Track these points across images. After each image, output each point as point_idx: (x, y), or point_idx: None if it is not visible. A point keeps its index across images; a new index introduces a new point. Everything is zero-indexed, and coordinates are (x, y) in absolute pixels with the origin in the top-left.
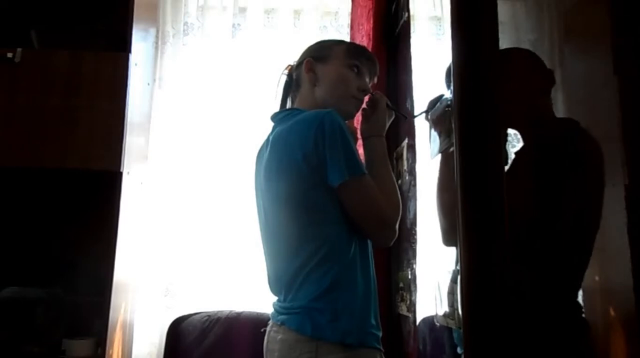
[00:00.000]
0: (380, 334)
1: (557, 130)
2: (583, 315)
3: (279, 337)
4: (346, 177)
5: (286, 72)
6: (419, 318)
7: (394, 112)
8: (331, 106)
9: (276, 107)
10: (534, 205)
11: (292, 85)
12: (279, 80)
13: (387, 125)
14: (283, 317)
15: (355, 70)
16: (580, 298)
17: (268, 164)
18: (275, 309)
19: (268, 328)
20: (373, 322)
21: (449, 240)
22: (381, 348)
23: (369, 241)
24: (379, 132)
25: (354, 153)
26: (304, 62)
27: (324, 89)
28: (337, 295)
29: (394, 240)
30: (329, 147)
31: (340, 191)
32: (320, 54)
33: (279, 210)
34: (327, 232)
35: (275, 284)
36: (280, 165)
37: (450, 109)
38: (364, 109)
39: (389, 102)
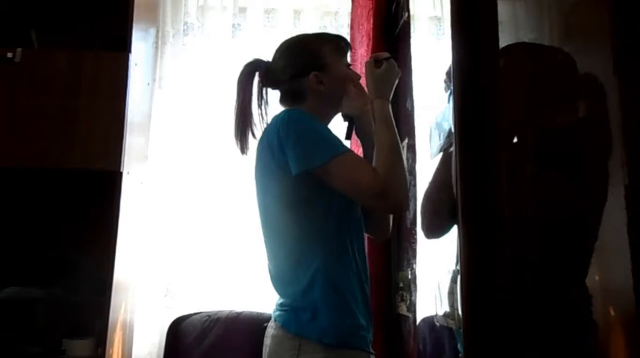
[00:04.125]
0: (371, 335)
1: (557, 129)
2: (582, 315)
3: (272, 332)
4: (301, 169)
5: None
6: (419, 318)
7: (397, 69)
8: (342, 106)
9: (277, 107)
10: (534, 204)
11: (288, 99)
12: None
13: (393, 86)
14: (276, 313)
15: (347, 64)
16: (579, 298)
17: (255, 165)
18: (275, 305)
19: (268, 324)
20: (362, 322)
21: (432, 233)
22: (370, 350)
23: (359, 239)
24: (378, 94)
25: (316, 142)
26: (310, 77)
27: (333, 95)
28: (316, 292)
29: (402, 204)
30: (287, 143)
31: (321, 175)
32: (318, 63)
33: (267, 210)
34: (309, 228)
35: (273, 281)
36: (260, 167)
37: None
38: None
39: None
